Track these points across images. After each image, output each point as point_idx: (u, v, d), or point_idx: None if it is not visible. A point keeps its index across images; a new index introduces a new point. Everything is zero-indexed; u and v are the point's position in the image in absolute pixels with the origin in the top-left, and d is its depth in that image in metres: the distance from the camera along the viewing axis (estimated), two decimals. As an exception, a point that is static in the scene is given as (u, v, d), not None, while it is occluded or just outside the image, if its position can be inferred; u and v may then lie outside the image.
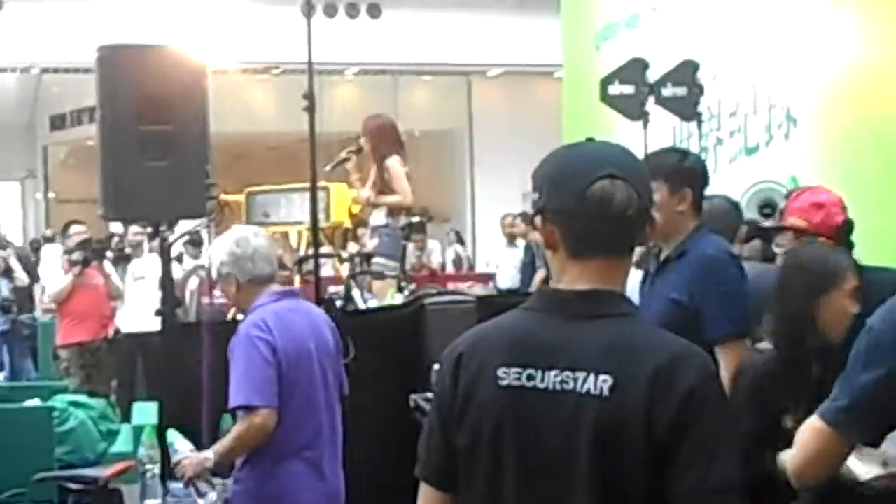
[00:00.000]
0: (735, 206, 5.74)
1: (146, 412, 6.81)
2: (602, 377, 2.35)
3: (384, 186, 8.59)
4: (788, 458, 2.87)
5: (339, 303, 6.63)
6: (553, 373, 2.40)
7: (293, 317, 4.74)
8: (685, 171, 4.52)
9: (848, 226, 4.14)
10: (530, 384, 2.42)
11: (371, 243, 8.81)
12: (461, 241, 19.46)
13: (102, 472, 5.08)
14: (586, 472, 2.35)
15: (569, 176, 2.46)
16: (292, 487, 4.61)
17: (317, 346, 4.76)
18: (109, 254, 11.35)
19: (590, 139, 2.60)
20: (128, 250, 11.40)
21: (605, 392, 2.35)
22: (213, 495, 4.48)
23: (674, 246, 4.48)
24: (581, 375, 2.37)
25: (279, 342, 4.57)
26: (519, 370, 2.43)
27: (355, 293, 8.24)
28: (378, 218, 8.73)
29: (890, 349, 2.57)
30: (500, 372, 2.44)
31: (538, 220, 2.50)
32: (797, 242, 4.13)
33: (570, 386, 2.38)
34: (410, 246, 9.62)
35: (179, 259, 12.64)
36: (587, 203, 2.42)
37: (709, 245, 4.50)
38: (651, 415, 2.31)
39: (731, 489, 2.32)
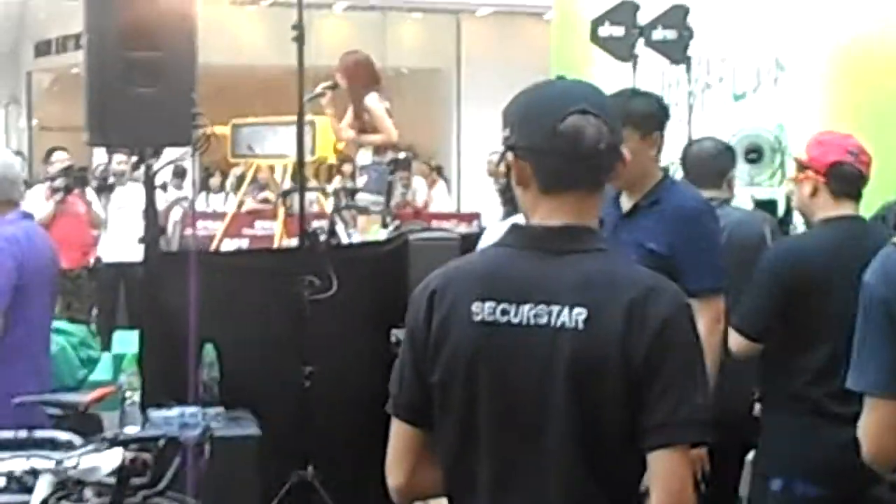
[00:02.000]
0: (727, 148, 5.70)
1: (127, 341, 6.82)
2: (577, 310, 2.38)
3: (364, 125, 8.57)
4: (862, 448, 2.74)
5: (322, 236, 6.62)
6: (527, 307, 2.42)
7: (36, 237, 5.30)
8: (658, 116, 4.46)
9: (841, 169, 4.13)
10: (504, 319, 2.43)
11: (360, 181, 8.81)
12: (441, 176, 19.33)
13: (82, 397, 5.07)
14: (562, 404, 2.38)
15: (540, 112, 2.47)
16: (24, 385, 5.00)
17: (50, 266, 5.34)
18: (93, 182, 11.30)
19: (560, 77, 2.60)
20: (111, 179, 11.35)
21: (580, 325, 2.37)
22: None
23: (642, 193, 4.39)
24: (555, 309, 2.39)
25: (24, 257, 5.09)
26: (493, 305, 2.44)
27: (339, 227, 8.26)
28: (364, 157, 8.72)
29: (882, 300, 2.56)
30: (474, 307, 2.45)
31: (510, 156, 2.51)
32: (796, 172, 4.21)
33: (545, 320, 2.40)
34: (396, 182, 9.62)
35: (164, 188, 12.60)
36: (559, 138, 2.42)
37: (688, 196, 4.46)
38: (626, 346, 2.34)
39: (702, 420, 2.37)
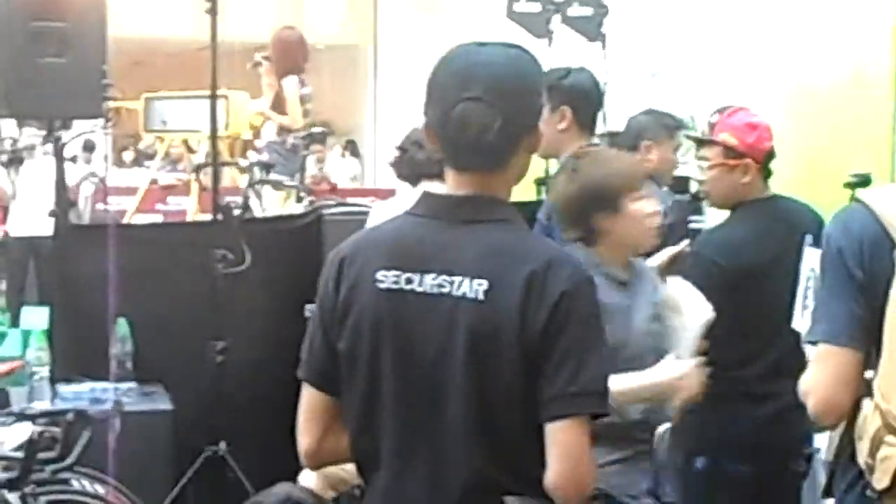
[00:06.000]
0: (654, 116, 5.62)
1: (35, 316, 6.72)
2: (477, 281, 2.39)
3: (278, 103, 8.60)
4: (809, 400, 2.60)
5: (236, 211, 6.57)
6: (430, 276, 2.44)
7: None
8: (563, 89, 4.48)
9: (773, 154, 4.18)
10: (408, 287, 2.45)
11: (263, 156, 8.82)
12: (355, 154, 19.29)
13: (-12, 372, 5.02)
14: (460, 376, 2.40)
15: (441, 92, 2.49)
16: None
17: None
18: (2, 156, 11.13)
19: (480, 44, 2.55)
20: (22, 153, 11.18)
21: (480, 296, 2.39)
22: None
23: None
24: (457, 279, 2.41)
25: None
26: (397, 273, 2.46)
27: (254, 202, 8.21)
28: (268, 132, 8.73)
29: (838, 250, 2.55)
30: (379, 275, 2.47)
31: (424, 123, 2.55)
32: (725, 159, 4.16)
33: (447, 290, 2.42)
34: (310, 158, 9.60)
35: (73, 160, 12.41)
36: (449, 125, 2.46)
37: None
38: (524, 318, 2.36)
39: (599, 392, 2.39)
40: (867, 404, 2.43)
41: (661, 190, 5.18)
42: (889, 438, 2.35)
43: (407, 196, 5.09)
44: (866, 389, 2.48)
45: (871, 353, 2.49)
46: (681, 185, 6.37)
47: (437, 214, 2.50)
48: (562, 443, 2.35)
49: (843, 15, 7.28)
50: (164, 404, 5.36)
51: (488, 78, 2.45)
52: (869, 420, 2.41)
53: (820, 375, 2.55)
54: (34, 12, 5.21)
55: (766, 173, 4.20)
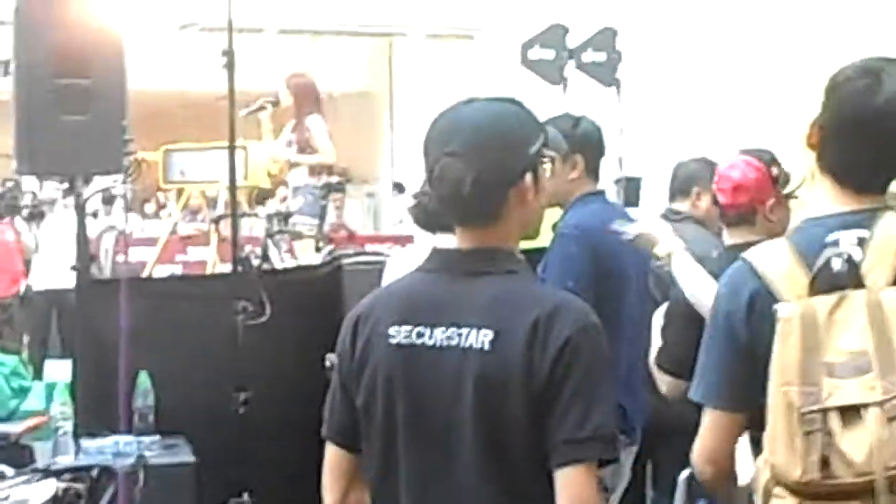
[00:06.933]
0: (705, 164, 5.59)
1: (59, 369, 6.78)
2: (483, 331, 2.43)
3: (305, 145, 8.61)
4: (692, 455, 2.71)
5: (255, 261, 6.60)
6: (440, 329, 2.48)
7: None
8: (576, 138, 4.49)
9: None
10: (419, 341, 2.49)
11: (294, 203, 8.82)
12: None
13: (14, 428, 5.05)
14: (471, 426, 2.43)
15: (427, 149, 2.54)
16: None
17: None
18: (23, 210, 11.21)
19: (470, 100, 2.59)
20: (43, 207, 11.27)
21: (486, 346, 2.42)
22: None
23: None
24: (465, 331, 2.45)
25: None
26: (409, 328, 2.50)
27: (272, 252, 8.24)
28: (298, 177, 8.73)
29: (726, 313, 2.60)
30: (392, 331, 2.51)
31: None
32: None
33: (455, 342, 2.46)
34: (329, 206, 9.64)
35: (94, 215, 12.50)
36: (431, 182, 2.51)
37: (568, 217, 4.48)
38: (529, 365, 2.38)
39: (607, 437, 2.40)
40: (759, 459, 2.48)
41: (712, 236, 5.16)
42: (777, 490, 2.40)
43: (424, 243, 5.12)
44: (754, 447, 2.56)
45: (754, 411, 2.52)
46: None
47: (444, 269, 2.54)
48: (570, 488, 2.37)
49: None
50: (187, 456, 5.36)
51: (467, 133, 2.48)
52: (760, 473, 2.46)
53: (700, 434, 2.64)
54: (57, 70, 5.26)
55: (727, 221, 4.19)
